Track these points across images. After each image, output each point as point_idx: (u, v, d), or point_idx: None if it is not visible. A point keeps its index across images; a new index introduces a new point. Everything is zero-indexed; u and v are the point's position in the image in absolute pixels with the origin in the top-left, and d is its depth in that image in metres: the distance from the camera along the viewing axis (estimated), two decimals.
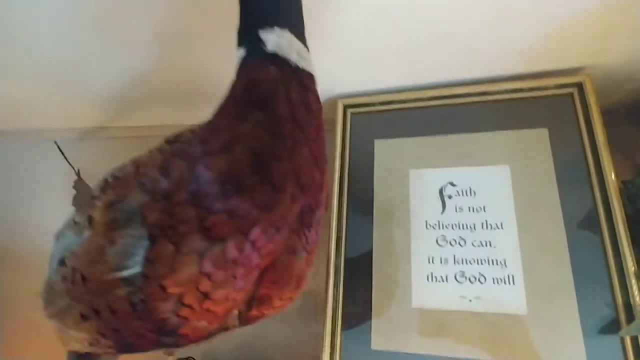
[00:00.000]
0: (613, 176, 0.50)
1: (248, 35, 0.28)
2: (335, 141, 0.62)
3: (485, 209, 0.53)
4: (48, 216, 0.86)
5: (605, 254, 0.46)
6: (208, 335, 0.30)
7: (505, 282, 0.49)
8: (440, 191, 0.55)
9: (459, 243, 0.52)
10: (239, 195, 0.24)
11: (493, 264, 0.50)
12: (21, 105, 0.79)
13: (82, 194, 0.65)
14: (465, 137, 0.56)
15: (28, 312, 0.82)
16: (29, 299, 0.85)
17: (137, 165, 0.28)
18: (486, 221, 0.52)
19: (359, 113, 0.63)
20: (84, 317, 0.27)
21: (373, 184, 0.58)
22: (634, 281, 0.44)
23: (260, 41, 0.27)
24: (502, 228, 0.51)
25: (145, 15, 0.50)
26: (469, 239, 0.52)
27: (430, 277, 0.51)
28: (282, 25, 0.28)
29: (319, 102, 0.29)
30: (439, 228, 0.53)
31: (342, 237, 0.56)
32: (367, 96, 0.63)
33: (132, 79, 0.68)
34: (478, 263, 0.50)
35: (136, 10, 0.50)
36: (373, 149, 0.60)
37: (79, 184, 0.68)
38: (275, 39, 0.27)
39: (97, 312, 0.26)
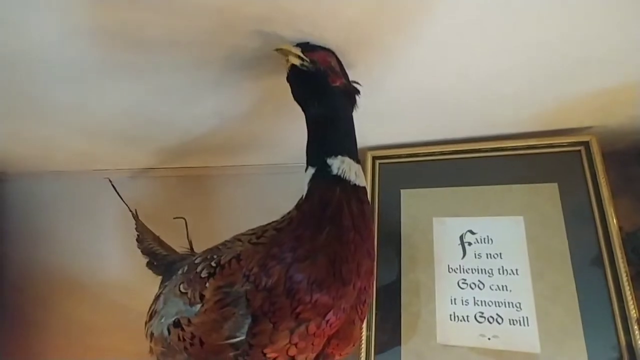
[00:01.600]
0: (616, 225, 0.56)
1: (317, 160, 0.38)
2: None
3: (502, 256, 0.59)
4: (107, 249, 0.97)
5: (611, 300, 0.52)
6: None
7: (520, 324, 0.55)
8: (461, 238, 0.62)
9: (478, 286, 0.59)
10: (320, 291, 0.33)
11: (509, 306, 0.57)
12: (86, 152, 0.90)
13: (144, 233, 0.75)
14: (484, 189, 0.64)
15: (94, 338, 0.92)
16: (93, 325, 0.94)
17: (239, 258, 0.36)
18: (502, 267, 0.59)
19: (387, 164, 0.70)
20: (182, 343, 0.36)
21: (400, 229, 0.66)
22: (636, 327, 0.50)
23: (327, 165, 0.37)
24: (517, 274, 0.58)
25: (210, 92, 0.59)
26: (487, 283, 0.59)
27: (453, 316, 0.58)
28: (343, 153, 0.37)
29: (370, 208, 0.38)
30: (460, 272, 0.60)
31: (373, 281, 0.64)
32: (394, 149, 0.71)
33: (182, 134, 0.78)
34: (496, 305, 0.57)
35: (200, 88, 0.59)
36: (400, 198, 0.68)
37: (139, 225, 0.77)
38: (339, 164, 0.37)
39: None
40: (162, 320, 0.41)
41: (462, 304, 0.59)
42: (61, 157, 0.95)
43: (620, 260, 0.54)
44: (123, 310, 0.94)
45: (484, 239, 0.61)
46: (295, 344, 0.33)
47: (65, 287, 0.98)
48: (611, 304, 0.52)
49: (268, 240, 0.37)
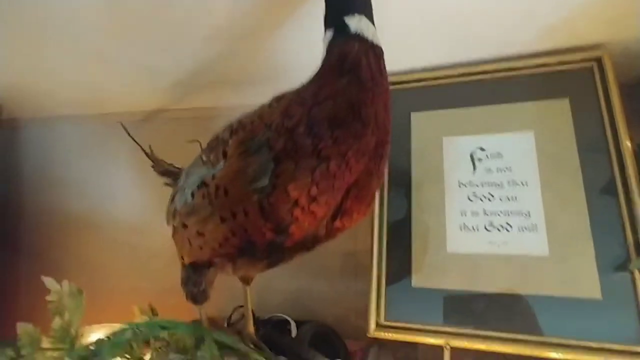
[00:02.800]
0: (628, 142, 0.56)
1: (335, 19, 0.38)
2: None
3: (512, 169, 0.60)
4: (120, 191, 0.99)
5: (619, 203, 0.53)
6: (305, 241, 0.39)
7: (529, 230, 0.56)
8: (471, 155, 0.63)
9: (488, 198, 0.60)
10: (340, 128, 0.35)
11: (518, 215, 0.58)
12: (96, 91, 0.91)
13: (159, 164, 0.77)
14: (494, 108, 0.64)
15: (107, 277, 0.95)
16: (107, 262, 0.97)
17: (261, 115, 0.38)
18: (512, 179, 0.60)
19: (397, 90, 0.71)
20: (222, 220, 0.37)
21: (410, 151, 0.67)
22: None
23: (345, 25, 0.37)
24: (526, 185, 0.59)
25: (209, 11, 0.60)
26: (496, 195, 0.60)
27: (463, 227, 0.60)
28: (360, 12, 0.38)
29: (386, 68, 0.38)
30: (470, 186, 0.61)
31: (384, 199, 0.65)
32: (403, 74, 0.71)
33: (196, 67, 0.79)
34: (505, 215, 0.58)
35: (200, 6, 0.59)
36: (409, 121, 0.68)
37: (153, 157, 0.79)
38: (357, 22, 0.38)
39: (234, 215, 0.36)
40: (186, 191, 0.42)
41: (472, 215, 0.60)
42: (73, 100, 0.97)
43: (631, 169, 0.54)
44: (135, 250, 0.97)
45: (494, 154, 0.62)
46: (317, 184, 0.34)
47: (80, 229, 1.01)
48: (619, 207, 0.53)
49: (289, 96, 0.38)
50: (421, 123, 0.68)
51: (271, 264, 0.45)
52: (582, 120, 0.59)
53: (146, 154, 0.80)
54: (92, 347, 0.38)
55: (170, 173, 0.67)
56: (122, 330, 0.40)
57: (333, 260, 0.85)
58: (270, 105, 0.40)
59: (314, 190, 0.34)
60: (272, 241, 0.37)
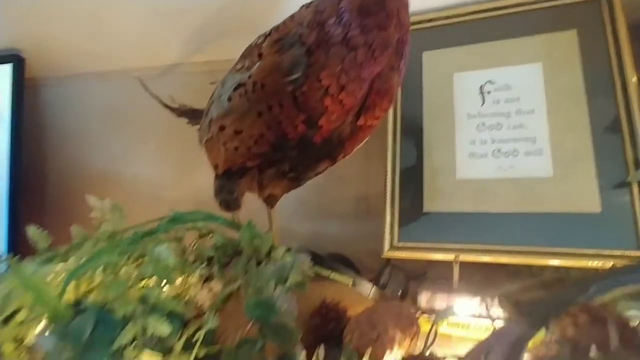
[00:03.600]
0: (633, 72, 0.58)
1: None
2: None
3: (519, 99, 0.63)
4: (139, 145, 1.03)
5: (621, 125, 0.56)
6: (331, 139, 0.43)
7: (535, 154, 0.60)
8: (480, 88, 0.66)
9: (496, 127, 0.63)
10: (368, 17, 0.38)
11: (525, 141, 0.61)
12: (114, 44, 0.94)
13: (177, 110, 0.80)
14: (503, 43, 0.66)
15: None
16: (129, 214, 1.01)
17: (291, 17, 0.41)
18: (520, 109, 0.63)
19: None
20: (259, 114, 0.41)
21: (422, 89, 0.70)
22: None
23: None
24: (533, 113, 0.62)
25: None
26: (505, 124, 0.63)
27: (472, 155, 0.63)
28: None
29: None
30: (479, 117, 0.64)
31: (397, 133, 0.68)
32: (415, 15, 0.73)
33: (205, 17, 0.81)
34: (512, 141, 0.61)
35: None
36: (421, 60, 0.71)
37: (170, 106, 0.82)
38: None
39: (270, 108, 0.40)
40: (222, 97, 0.46)
41: (480, 143, 0.63)
42: (91, 58, 1.00)
43: (634, 97, 0.57)
44: (156, 201, 1.01)
45: (503, 86, 0.65)
46: (346, 72, 0.38)
47: (102, 183, 1.05)
48: (621, 129, 0.56)
49: None
50: (432, 61, 0.70)
51: (295, 179, 0.49)
52: (589, 50, 0.62)
53: (164, 104, 0.84)
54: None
55: (189, 112, 0.71)
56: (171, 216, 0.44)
57: (346, 204, 0.89)
58: (299, 10, 0.43)
59: (343, 79, 0.38)
60: (303, 136, 0.41)
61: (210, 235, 0.45)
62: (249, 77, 0.42)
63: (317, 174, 0.51)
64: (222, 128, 0.45)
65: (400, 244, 0.62)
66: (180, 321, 0.36)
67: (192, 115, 0.71)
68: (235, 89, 0.43)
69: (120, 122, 1.06)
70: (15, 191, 0.91)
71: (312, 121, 0.40)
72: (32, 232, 0.48)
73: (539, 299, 0.53)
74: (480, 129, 0.64)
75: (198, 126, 0.71)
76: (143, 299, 0.35)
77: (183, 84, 1.03)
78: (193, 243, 0.46)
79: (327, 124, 0.40)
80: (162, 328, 0.33)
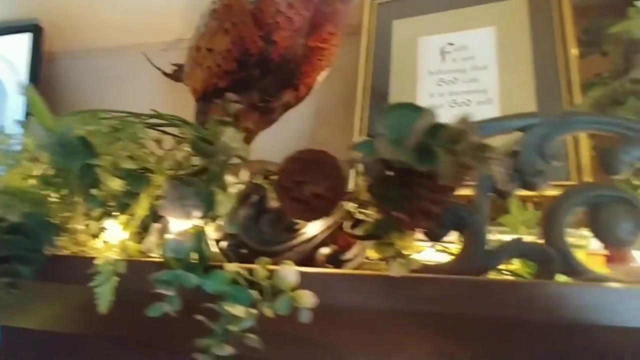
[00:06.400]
0: (572, 29, 0.66)
1: None
2: (363, 26, 0.82)
3: (474, 58, 0.70)
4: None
5: (559, 80, 0.63)
6: (287, 61, 0.50)
7: (485, 104, 0.67)
8: (441, 49, 0.73)
9: (453, 82, 0.70)
10: None
11: (477, 93, 0.68)
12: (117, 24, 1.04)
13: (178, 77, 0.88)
14: (464, 10, 0.74)
15: None
16: None
17: None
18: (474, 65, 0.70)
19: (382, 3, 0.82)
20: (226, 31, 0.49)
21: (391, 53, 0.77)
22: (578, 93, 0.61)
23: None
24: (486, 69, 0.69)
25: None
26: (460, 79, 0.70)
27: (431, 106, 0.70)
28: None
29: None
30: (439, 74, 0.72)
31: (367, 90, 0.76)
32: None
33: None
34: (466, 93, 0.68)
35: None
36: (391, 28, 0.79)
37: (172, 75, 0.91)
38: None
39: (234, 25, 0.48)
40: (199, 26, 0.53)
41: (439, 96, 0.71)
42: (104, 33, 1.10)
43: (571, 49, 0.64)
44: None
45: (460, 47, 0.72)
46: None
47: None
48: (559, 82, 0.63)
49: None
50: (401, 28, 0.78)
51: (266, 111, 0.56)
52: (537, 17, 0.69)
53: (165, 74, 0.93)
54: None
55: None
56: None
57: None
58: None
59: None
60: (263, 51, 0.48)
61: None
62: (220, 2, 0.50)
63: (285, 107, 0.58)
64: (198, 49, 0.53)
65: None
66: None
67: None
68: (210, 14, 0.51)
69: (129, 97, 1.15)
70: None
71: (268, 36, 0.47)
72: None
73: None
74: (439, 84, 0.71)
75: None
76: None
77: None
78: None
79: (281, 41, 0.48)
80: None
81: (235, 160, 0.38)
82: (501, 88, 0.66)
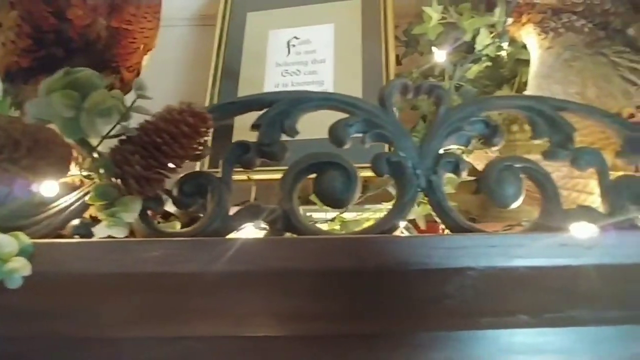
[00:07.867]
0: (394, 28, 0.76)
1: None
2: (218, 15, 0.84)
3: (315, 52, 0.77)
4: None
5: (381, 74, 0.72)
6: (89, 33, 0.49)
7: None
8: (288, 42, 0.79)
9: (296, 73, 0.76)
10: None
11: (315, 84, 0.74)
12: None
13: None
14: (308, 7, 0.80)
15: None
16: None
17: None
18: (315, 59, 0.76)
19: None
20: (12, 5, 0.46)
21: (243, 44, 0.81)
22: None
23: None
24: (324, 62, 0.76)
25: None
26: (302, 70, 0.76)
27: None
28: None
29: None
30: (284, 65, 0.77)
31: (217, 78, 0.78)
32: None
33: None
34: (306, 84, 0.75)
35: None
36: (245, 19, 0.82)
37: None
38: None
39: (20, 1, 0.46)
40: None
41: (283, 86, 0.76)
42: None
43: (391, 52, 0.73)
44: None
45: (304, 41, 0.78)
46: None
47: None
48: (381, 71, 0.72)
49: None
50: (254, 20, 0.82)
51: None
52: (368, 18, 0.78)
53: None
54: None
55: None
56: None
57: None
58: None
59: None
60: (58, 29, 0.47)
61: None
62: None
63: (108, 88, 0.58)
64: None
65: None
66: None
67: None
68: None
69: None
70: None
71: (60, 14, 0.47)
72: None
73: None
74: (284, 75, 0.77)
75: None
76: None
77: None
78: None
79: (77, 20, 0.47)
80: None
81: None
82: (335, 80, 0.74)
